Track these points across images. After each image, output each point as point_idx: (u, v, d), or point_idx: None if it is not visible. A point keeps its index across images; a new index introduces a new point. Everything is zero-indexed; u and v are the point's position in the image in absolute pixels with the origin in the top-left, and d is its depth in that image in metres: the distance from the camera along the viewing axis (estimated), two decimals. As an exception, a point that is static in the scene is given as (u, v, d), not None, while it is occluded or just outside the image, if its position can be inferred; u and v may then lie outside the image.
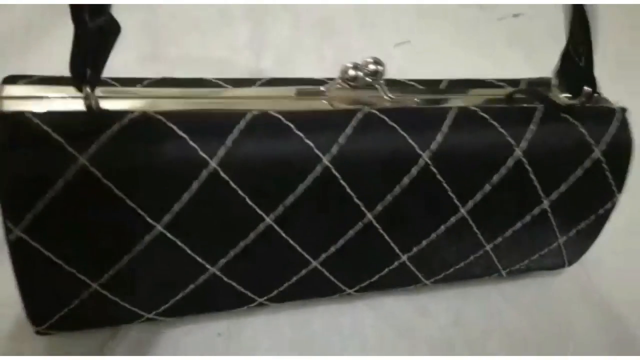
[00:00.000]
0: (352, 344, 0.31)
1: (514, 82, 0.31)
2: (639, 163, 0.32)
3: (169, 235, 0.23)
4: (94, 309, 0.25)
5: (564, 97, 0.29)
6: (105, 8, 0.20)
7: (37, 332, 0.26)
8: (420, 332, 0.32)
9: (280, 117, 0.24)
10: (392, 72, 0.53)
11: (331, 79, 0.26)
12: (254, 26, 0.55)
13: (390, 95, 0.26)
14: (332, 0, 0.60)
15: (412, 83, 0.28)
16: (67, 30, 0.20)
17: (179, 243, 0.24)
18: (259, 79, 0.27)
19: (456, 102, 0.28)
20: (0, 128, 0.21)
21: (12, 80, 0.23)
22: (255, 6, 0.57)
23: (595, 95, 0.29)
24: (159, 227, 0.23)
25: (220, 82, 0.26)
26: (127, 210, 0.22)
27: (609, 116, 0.29)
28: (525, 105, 0.28)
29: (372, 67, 0.25)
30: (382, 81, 0.26)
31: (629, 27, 0.63)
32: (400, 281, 0.31)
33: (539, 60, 0.56)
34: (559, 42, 0.30)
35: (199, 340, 0.29)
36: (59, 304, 0.25)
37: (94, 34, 0.20)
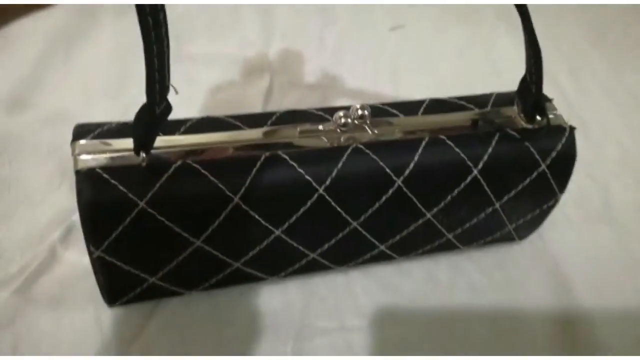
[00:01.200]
0: (344, 298, 0.39)
1: (483, 101, 0.36)
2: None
3: (206, 247, 0.31)
4: (149, 291, 0.34)
5: (521, 118, 0.35)
6: (166, 96, 0.27)
7: (108, 304, 0.35)
8: (401, 286, 0.40)
9: (286, 157, 0.31)
10: (385, 59, 0.58)
11: (328, 120, 0.33)
12: (261, 20, 0.59)
13: (375, 131, 0.33)
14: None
15: (395, 112, 0.34)
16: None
17: (213, 251, 0.32)
18: (271, 116, 0.33)
19: (428, 130, 0.34)
20: (79, 181, 0.28)
21: (81, 130, 0.30)
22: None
23: (551, 116, 0.35)
24: (198, 242, 0.31)
25: (239, 124, 0.32)
26: (175, 234, 0.30)
27: (558, 135, 0.35)
28: (485, 131, 0.34)
29: (359, 112, 0.32)
30: (368, 122, 0.32)
31: None
32: (379, 260, 0.39)
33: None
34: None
35: (226, 299, 0.38)
36: (126, 292, 0.33)
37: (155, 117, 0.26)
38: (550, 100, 0.37)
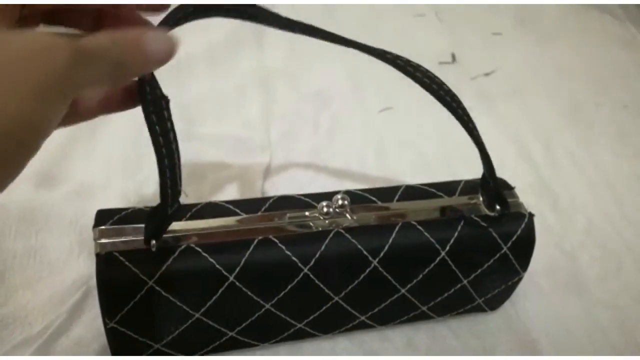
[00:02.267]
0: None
1: (452, 189, 0.41)
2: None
3: (204, 319, 0.35)
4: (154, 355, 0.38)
5: (485, 206, 0.39)
6: (178, 200, 0.31)
7: None
8: (382, 351, 0.43)
9: (276, 241, 0.35)
10: (373, 139, 0.62)
11: (314, 207, 0.37)
12: (263, 103, 0.64)
13: (354, 217, 0.37)
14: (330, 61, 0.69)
15: (373, 198, 0.39)
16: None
17: (210, 322, 0.36)
18: (265, 202, 0.38)
19: (401, 216, 0.38)
20: (98, 263, 0.33)
21: (102, 216, 0.35)
22: (265, 82, 0.67)
23: (514, 201, 0.40)
24: (197, 315, 0.35)
25: (237, 210, 0.37)
26: (178, 307, 0.34)
27: (518, 221, 0.39)
28: (452, 217, 0.39)
29: (340, 202, 0.36)
30: (348, 209, 0.37)
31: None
32: (361, 328, 0.42)
33: (501, 115, 0.65)
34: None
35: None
36: (132, 353, 0.37)
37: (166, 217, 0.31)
38: (512, 188, 0.41)
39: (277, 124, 0.62)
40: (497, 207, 0.38)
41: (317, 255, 0.35)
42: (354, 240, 0.36)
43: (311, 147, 0.60)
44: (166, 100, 0.28)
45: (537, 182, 0.59)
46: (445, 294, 0.40)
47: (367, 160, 0.59)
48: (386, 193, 0.40)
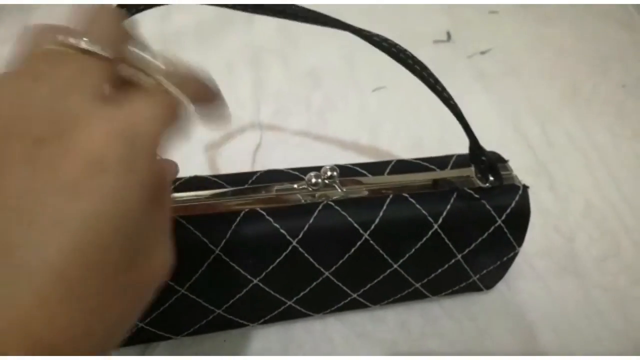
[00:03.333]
0: (323, 343, 0.42)
1: (444, 162, 0.39)
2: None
3: (190, 295, 0.34)
4: (138, 335, 0.37)
5: (478, 178, 0.38)
6: None
7: None
8: (375, 333, 0.42)
9: (263, 212, 0.33)
10: (367, 115, 0.60)
11: (302, 179, 0.36)
12: (253, 82, 0.63)
13: (343, 189, 0.36)
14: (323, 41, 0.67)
15: (363, 172, 0.38)
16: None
17: (197, 299, 0.34)
18: (252, 175, 0.36)
19: (392, 189, 0.37)
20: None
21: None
22: (255, 60, 0.65)
23: (506, 174, 0.38)
24: (182, 290, 0.34)
25: (223, 183, 0.35)
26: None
27: (511, 193, 0.37)
28: (444, 189, 0.37)
29: (328, 173, 0.35)
30: (337, 181, 0.35)
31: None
32: (354, 307, 0.41)
33: (497, 94, 0.63)
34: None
35: (211, 344, 0.40)
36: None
37: None
38: (506, 161, 0.40)
39: (268, 102, 0.60)
40: (490, 178, 0.37)
41: (305, 228, 0.33)
42: (343, 213, 0.34)
43: (303, 126, 0.58)
44: None
45: (534, 162, 0.57)
46: (439, 270, 0.39)
47: (360, 140, 0.58)
48: (377, 166, 0.38)
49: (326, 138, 0.57)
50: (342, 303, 0.40)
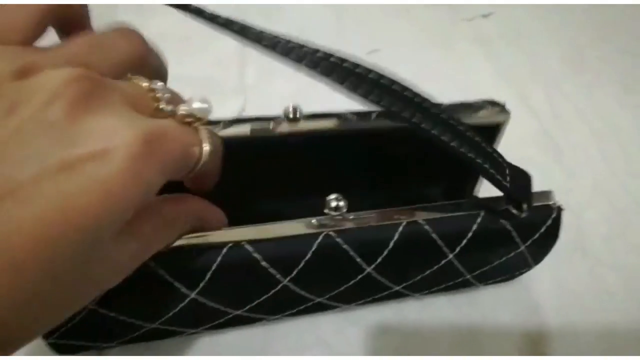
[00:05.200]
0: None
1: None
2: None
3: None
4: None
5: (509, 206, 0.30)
6: None
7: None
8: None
9: (250, 249, 0.26)
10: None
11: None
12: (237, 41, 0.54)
13: (351, 216, 0.28)
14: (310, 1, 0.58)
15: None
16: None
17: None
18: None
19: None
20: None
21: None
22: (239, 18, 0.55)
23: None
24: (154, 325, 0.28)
25: None
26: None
27: (543, 217, 0.31)
28: (468, 212, 0.30)
29: (333, 203, 0.27)
30: (344, 211, 0.27)
31: None
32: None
33: (500, 59, 0.55)
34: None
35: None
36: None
37: None
38: (502, 103, 0.32)
39: (253, 64, 0.52)
40: (524, 206, 0.29)
41: (300, 267, 0.27)
42: (345, 246, 0.27)
43: (291, 91, 0.49)
44: None
45: (539, 132, 0.51)
46: (443, 285, 0.33)
47: (353, 105, 0.50)
48: None
49: (316, 104, 0.49)
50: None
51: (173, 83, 0.48)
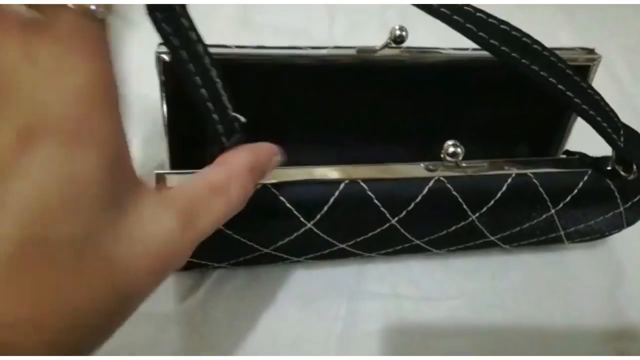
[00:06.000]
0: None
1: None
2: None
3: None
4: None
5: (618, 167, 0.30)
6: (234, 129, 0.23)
7: None
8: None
9: (365, 187, 0.27)
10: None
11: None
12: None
13: (463, 164, 0.28)
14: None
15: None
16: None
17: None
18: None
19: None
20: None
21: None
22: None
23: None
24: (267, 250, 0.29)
25: None
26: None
27: None
28: (577, 170, 0.30)
29: (451, 149, 0.27)
30: (460, 159, 0.27)
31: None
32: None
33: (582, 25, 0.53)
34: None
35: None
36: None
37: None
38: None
39: (341, 16, 0.51)
40: (635, 168, 0.29)
41: (409, 209, 0.27)
42: (455, 193, 0.28)
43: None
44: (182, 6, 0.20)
45: (620, 97, 0.49)
46: (535, 239, 0.33)
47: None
48: None
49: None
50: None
51: (265, 31, 0.48)
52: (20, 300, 0.14)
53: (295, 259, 0.31)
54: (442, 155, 0.27)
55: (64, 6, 0.15)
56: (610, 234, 0.34)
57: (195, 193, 0.20)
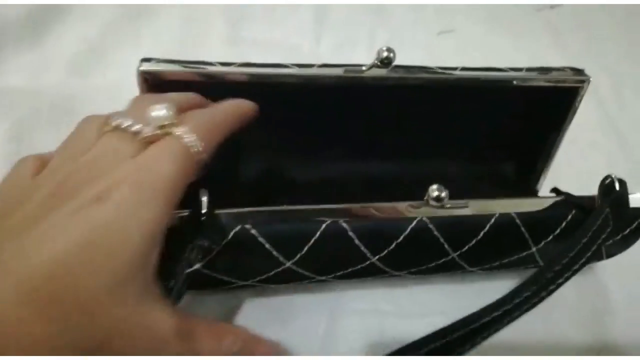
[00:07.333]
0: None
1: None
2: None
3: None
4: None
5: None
6: None
7: None
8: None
9: (346, 227, 0.26)
10: (429, 59, 0.50)
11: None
12: (315, 11, 0.52)
13: (448, 205, 0.27)
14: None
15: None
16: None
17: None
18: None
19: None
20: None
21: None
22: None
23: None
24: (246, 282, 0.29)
25: None
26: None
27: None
28: (560, 210, 0.29)
29: (435, 194, 0.26)
30: (445, 201, 0.26)
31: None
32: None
33: (567, 49, 0.53)
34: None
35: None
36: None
37: None
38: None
39: (329, 33, 0.50)
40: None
41: (391, 248, 0.27)
42: (437, 233, 0.27)
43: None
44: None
45: (605, 120, 0.49)
46: (514, 268, 0.32)
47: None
48: None
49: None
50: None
51: (253, 47, 0.47)
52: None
53: (274, 286, 0.30)
54: (425, 199, 0.26)
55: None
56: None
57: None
